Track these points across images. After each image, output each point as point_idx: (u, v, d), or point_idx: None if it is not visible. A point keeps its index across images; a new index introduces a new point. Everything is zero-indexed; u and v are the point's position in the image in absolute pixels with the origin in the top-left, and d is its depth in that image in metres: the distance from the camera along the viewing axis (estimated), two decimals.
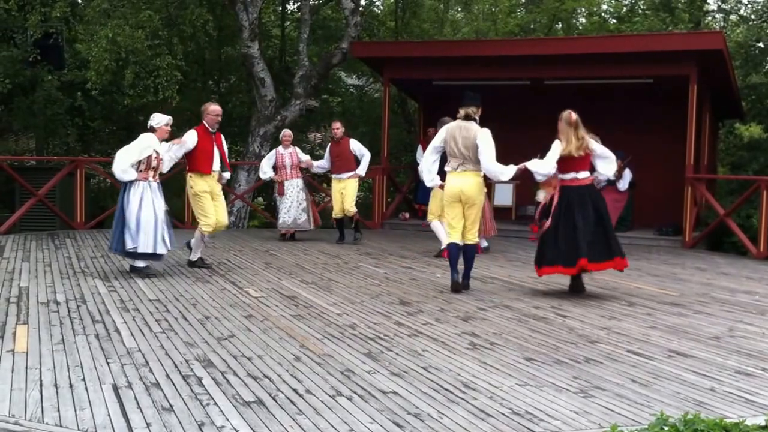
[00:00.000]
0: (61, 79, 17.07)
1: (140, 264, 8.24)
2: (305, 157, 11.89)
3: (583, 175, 7.75)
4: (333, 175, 11.78)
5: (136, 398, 4.23)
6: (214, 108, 9.02)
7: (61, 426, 3.83)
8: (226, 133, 20.71)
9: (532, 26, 22.30)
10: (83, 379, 4.55)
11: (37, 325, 5.90)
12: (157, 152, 8.26)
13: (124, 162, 8.09)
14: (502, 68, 13.88)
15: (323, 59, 16.37)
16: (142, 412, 4.03)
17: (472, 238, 7.96)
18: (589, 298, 7.71)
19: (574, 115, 7.73)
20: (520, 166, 7.94)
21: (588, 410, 4.26)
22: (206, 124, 8.93)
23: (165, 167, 8.81)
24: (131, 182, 8.13)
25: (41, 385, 4.42)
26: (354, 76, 22.60)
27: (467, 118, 7.92)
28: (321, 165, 12.01)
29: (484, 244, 10.98)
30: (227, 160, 9.23)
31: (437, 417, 4.09)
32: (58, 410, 4.03)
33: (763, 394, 4.63)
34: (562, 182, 7.81)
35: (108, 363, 4.91)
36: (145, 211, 8.08)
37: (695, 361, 5.38)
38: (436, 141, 8.12)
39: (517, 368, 5.08)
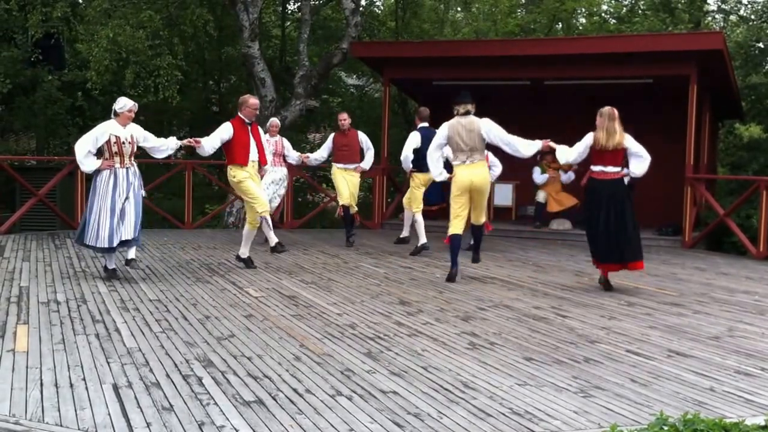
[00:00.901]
0: (61, 79, 17.09)
1: (111, 266, 8.07)
2: (295, 154, 11.56)
3: (612, 169, 7.99)
4: (338, 165, 11.42)
5: (136, 398, 4.23)
6: (254, 101, 8.99)
7: (61, 425, 3.83)
8: None
9: (532, 26, 22.32)
10: (83, 379, 4.55)
11: (37, 324, 5.90)
12: (117, 137, 7.90)
13: (79, 151, 7.91)
14: (502, 68, 13.89)
15: (323, 59, 16.38)
16: (142, 411, 4.03)
17: (480, 220, 8.56)
18: (588, 298, 7.73)
19: (615, 111, 8.03)
20: (546, 141, 8.37)
21: (588, 410, 4.27)
22: (242, 116, 8.89)
23: (205, 151, 8.81)
24: (96, 172, 7.95)
25: (41, 385, 4.42)
26: (354, 76, 22.62)
27: (467, 113, 8.32)
28: (318, 156, 11.65)
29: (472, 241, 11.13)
30: (264, 152, 9.12)
31: (437, 417, 4.10)
32: (59, 410, 4.03)
33: (762, 394, 4.64)
34: (591, 173, 8.13)
35: (108, 363, 4.91)
36: (103, 204, 7.85)
37: (695, 360, 5.38)
38: (439, 138, 8.46)
39: (516, 368, 5.08)
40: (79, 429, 3.79)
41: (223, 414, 4.03)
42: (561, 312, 6.97)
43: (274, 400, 4.28)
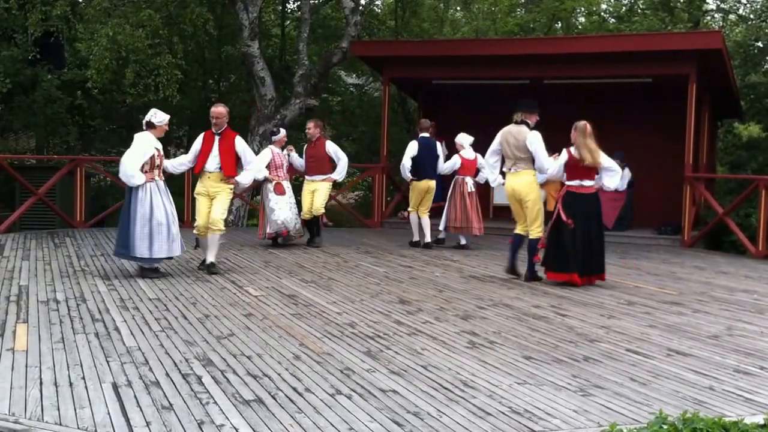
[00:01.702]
0: (61, 78, 17.09)
1: (146, 265, 8.13)
2: (297, 160, 11.28)
3: (588, 183, 8.21)
4: (306, 177, 11.17)
5: (135, 397, 4.24)
6: (212, 110, 8.81)
7: (60, 425, 3.83)
8: None
9: (531, 26, 22.32)
10: (83, 378, 4.55)
11: (36, 323, 5.90)
12: (158, 149, 8.17)
13: (131, 168, 7.94)
14: (502, 68, 13.89)
15: (323, 58, 16.38)
16: (141, 410, 4.03)
17: (534, 233, 8.51)
18: (588, 297, 7.73)
19: (589, 126, 8.18)
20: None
21: (587, 409, 4.27)
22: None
23: (168, 170, 8.79)
24: (135, 186, 7.99)
25: (41, 384, 4.42)
26: (354, 76, 22.63)
27: (517, 122, 8.59)
28: (299, 164, 11.30)
29: (463, 241, 11.25)
30: (232, 163, 8.66)
31: (437, 416, 4.10)
32: (58, 409, 4.03)
33: (761, 393, 4.64)
34: (568, 188, 8.25)
35: (108, 362, 4.91)
36: (149, 216, 7.95)
37: (694, 359, 5.39)
38: (494, 144, 8.80)
39: (516, 367, 5.08)
40: (78, 428, 3.79)
41: (223, 413, 4.03)
42: (560, 311, 6.97)
43: (274, 399, 4.28)
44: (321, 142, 11.11)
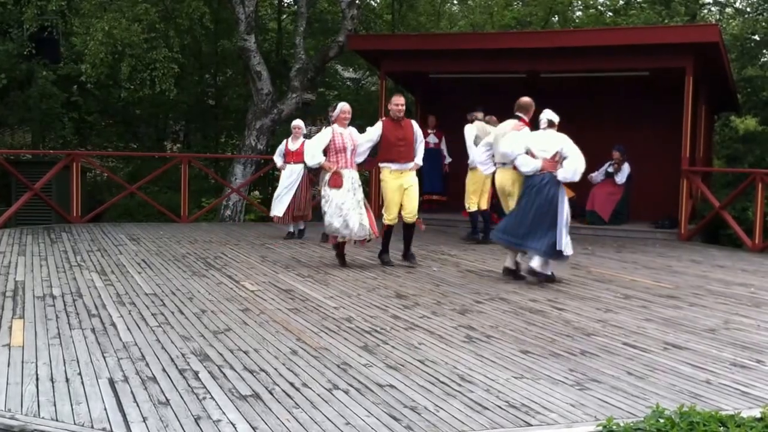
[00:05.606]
0: (57, 73, 17.05)
1: (543, 271, 7.93)
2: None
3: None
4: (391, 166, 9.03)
5: (132, 392, 4.23)
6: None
7: (57, 420, 3.83)
8: (223, 126, 20.82)
9: (528, 19, 22.28)
10: (79, 374, 4.54)
11: (33, 319, 5.89)
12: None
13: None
14: (499, 61, 13.86)
15: (320, 52, 16.36)
16: (138, 406, 4.03)
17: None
18: (584, 291, 7.73)
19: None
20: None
21: (584, 403, 4.27)
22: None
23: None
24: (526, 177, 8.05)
25: (37, 380, 4.42)
26: (351, 70, 22.61)
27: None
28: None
29: (301, 226, 11.38)
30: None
31: (434, 410, 4.10)
32: (55, 404, 4.03)
33: (758, 387, 4.64)
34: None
35: (104, 357, 4.91)
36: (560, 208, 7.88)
37: (691, 353, 5.39)
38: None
39: (513, 361, 5.09)
40: (75, 424, 3.79)
41: (220, 408, 4.02)
42: (557, 305, 6.97)
43: (271, 394, 4.27)
44: (407, 122, 9.08)
